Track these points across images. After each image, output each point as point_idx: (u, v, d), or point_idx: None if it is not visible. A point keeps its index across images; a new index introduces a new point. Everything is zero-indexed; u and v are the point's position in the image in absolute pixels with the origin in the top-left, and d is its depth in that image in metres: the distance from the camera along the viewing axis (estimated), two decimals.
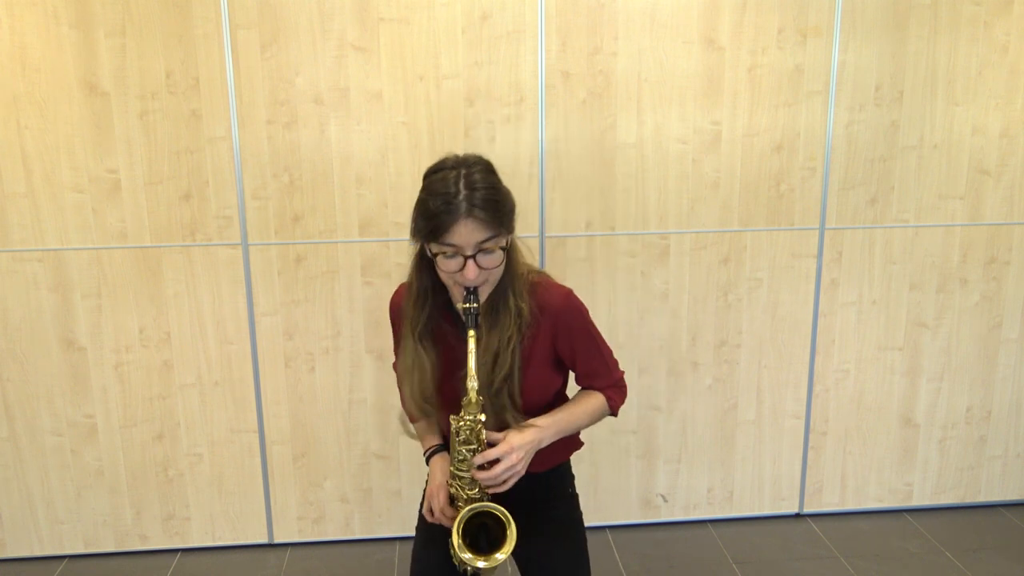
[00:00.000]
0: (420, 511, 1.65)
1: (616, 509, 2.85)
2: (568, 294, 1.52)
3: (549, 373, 1.54)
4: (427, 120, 2.48)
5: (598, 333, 1.58)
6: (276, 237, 2.52)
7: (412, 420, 1.67)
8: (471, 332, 1.36)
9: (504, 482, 1.39)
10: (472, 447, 1.41)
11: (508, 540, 1.38)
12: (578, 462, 2.75)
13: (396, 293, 1.62)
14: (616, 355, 2.73)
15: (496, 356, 1.44)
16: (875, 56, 2.57)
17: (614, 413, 1.61)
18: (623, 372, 1.63)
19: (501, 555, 1.38)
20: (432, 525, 1.56)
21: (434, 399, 1.51)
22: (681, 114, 2.55)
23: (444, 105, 2.48)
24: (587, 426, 1.57)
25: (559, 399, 1.60)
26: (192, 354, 2.58)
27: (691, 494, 2.87)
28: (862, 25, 2.55)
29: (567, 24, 2.45)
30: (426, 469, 2.75)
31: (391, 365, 1.75)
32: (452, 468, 1.46)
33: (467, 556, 1.39)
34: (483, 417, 1.40)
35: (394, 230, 2.55)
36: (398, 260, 2.57)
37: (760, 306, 2.73)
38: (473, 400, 1.38)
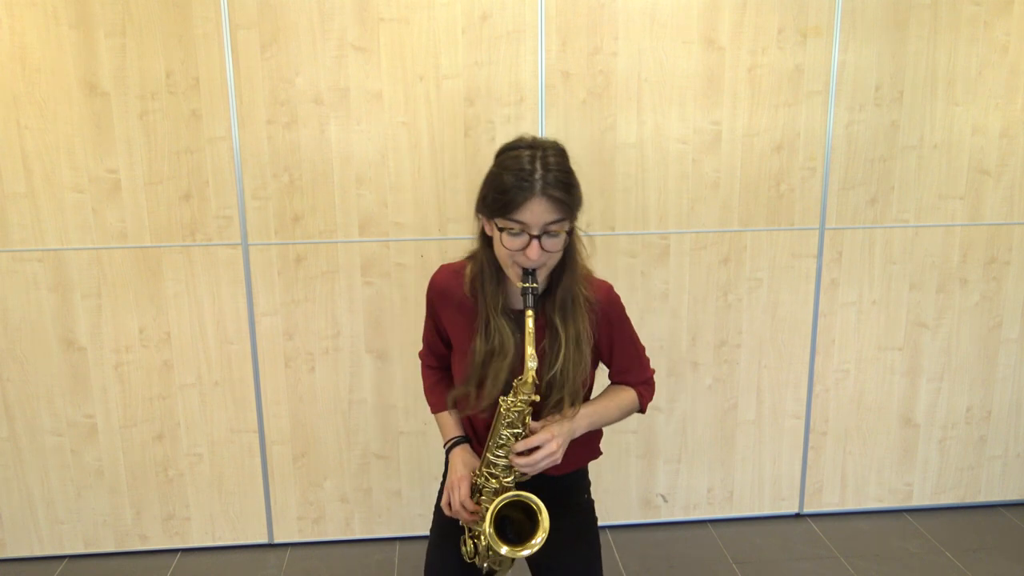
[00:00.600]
0: (436, 507, 1.64)
1: (616, 509, 2.85)
2: (611, 287, 1.54)
3: (591, 367, 1.55)
4: (427, 120, 2.48)
5: (633, 328, 1.58)
6: (276, 237, 2.52)
7: (436, 409, 1.65)
8: (529, 312, 1.35)
9: (539, 470, 1.40)
10: (517, 431, 1.41)
11: (541, 527, 1.38)
12: None
13: (438, 274, 1.58)
14: None
15: (580, 346, 1.43)
16: (875, 56, 2.57)
17: (643, 410, 1.62)
18: (654, 371, 1.64)
19: (537, 540, 1.38)
20: (448, 521, 1.55)
21: (506, 383, 1.47)
22: (681, 114, 2.55)
23: (444, 105, 2.48)
24: (616, 421, 1.58)
25: (588, 395, 1.61)
26: (192, 354, 2.58)
27: (691, 494, 2.87)
28: (862, 25, 2.55)
29: (567, 24, 2.45)
30: (426, 469, 2.77)
31: (418, 353, 1.73)
32: (488, 454, 1.45)
33: (504, 550, 1.38)
34: (537, 398, 1.39)
35: (394, 230, 2.55)
36: (398, 260, 2.57)
37: (760, 306, 2.73)
38: (529, 381, 1.36)
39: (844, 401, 2.84)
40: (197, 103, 2.41)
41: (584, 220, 2.57)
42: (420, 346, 1.71)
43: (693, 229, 2.64)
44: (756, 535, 2.82)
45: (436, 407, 1.65)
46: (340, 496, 2.75)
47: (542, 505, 1.39)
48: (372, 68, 2.43)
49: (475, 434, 1.60)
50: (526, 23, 2.44)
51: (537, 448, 1.39)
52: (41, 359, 2.54)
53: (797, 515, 2.94)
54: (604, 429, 1.65)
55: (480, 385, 1.47)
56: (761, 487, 2.89)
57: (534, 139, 1.39)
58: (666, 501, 2.87)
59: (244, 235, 2.51)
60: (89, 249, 2.48)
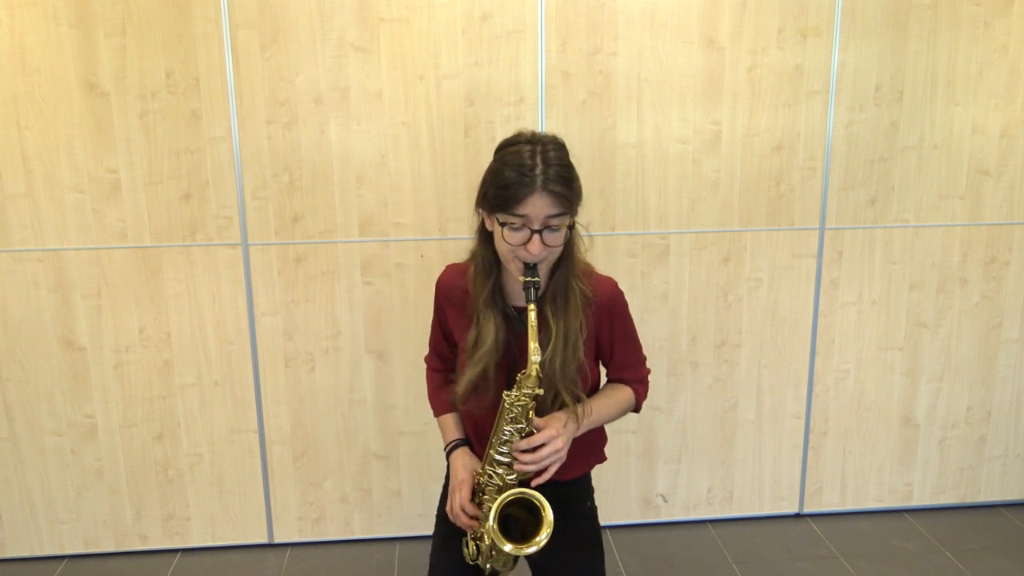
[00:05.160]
0: (439, 510, 1.64)
1: (616, 509, 2.85)
2: (615, 284, 1.54)
3: (593, 363, 1.54)
4: (427, 120, 2.48)
5: (634, 325, 1.59)
6: (276, 237, 2.52)
7: (438, 412, 1.64)
8: (531, 305, 1.35)
9: (547, 468, 1.39)
10: (520, 426, 1.40)
11: (545, 523, 1.37)
12: None
13: (444, 273, 1.59)
14: None
15: (567, 340, 1.43)
16: (875, 56, 2.57)
17: (638, 409, 1.62)
18: (649, 370, 1.64)
19: (542, 536, 1.36)
20: (451, 525, 1.54)
21: (492, 377, 1.48)
22: (681, 114, 2.55)
23: (444, 105, 2.48)
24: (614, 419, 1.58)
25: (593, 392, 1.60)
26: (192, 354, 2.58)
27: (691, 494, 2.87)
28: (862, 25, 2.55)
29: (567, 24, 2.45)
30: (426, 469, 2.77)
31: (424, 357, 1.72)
32: (491, 451, 1.44)
33: (508, 547, 1.37)
34: (541, 391, 1.38)
35: (394, 230, 2.55)
36: (398, 260, 2.57)
37: (760, 306, 2.73)
38: (533, 374, 1.36)
39: (844, 401, 2.84)
40: (197, 103, 2.41)
41: (584, 220, 2.58)
42: (421, 346, 1.71)
43: (693, 229, 2.64)
44: (756, 535, 2.82)
45: (438, 410, 1.65)
46: (340, 496, 2.75)
47: (545, 501, 1.38)
48: (372, 68, 2.43)
49: (477, 436, 1.59)
50: (526, 23, 2.44)
51: (542, 446, 1.38)
52: (41, 359, 2.54)
53: (797, 515, 2.94)
54: (606, 431, 1.64)
55: (471, 379, 1.48)
56: (761, 487, 2.89)
57: (533, 134, 1.41)
58: (666, 501, 2.87)
59: (244, 235, 2.51)
60: (89, 249, 2.48)
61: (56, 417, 2.59)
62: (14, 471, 2.63)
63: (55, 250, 2.47)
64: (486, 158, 1.48)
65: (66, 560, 2.70)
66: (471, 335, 1.49)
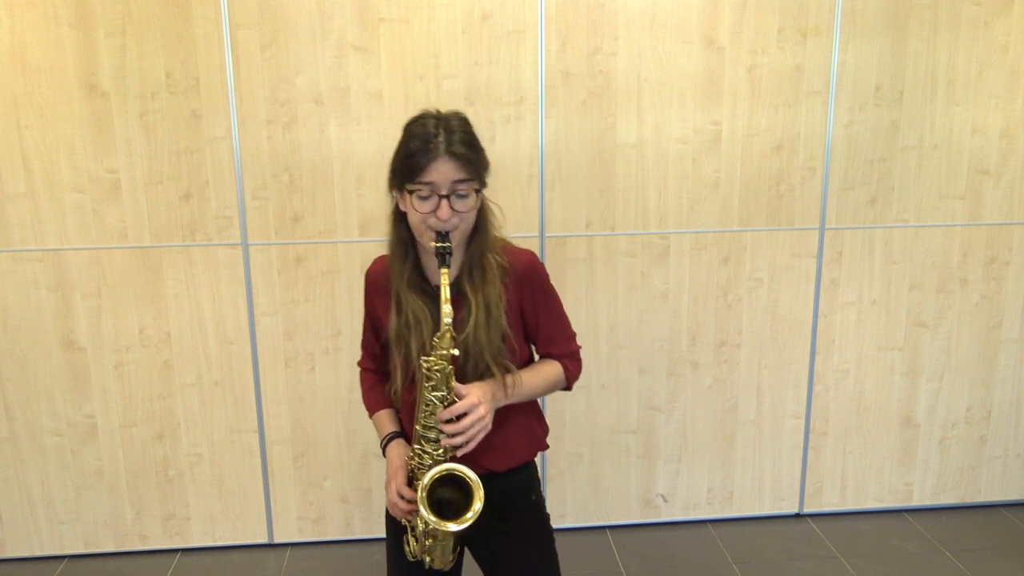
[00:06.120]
0: (386, 510, 1.65)
1: (616, 509, 2.85)
2: (533, 255, 1.54)
3: (521, 339, 1.54)
4: None
5: (559, 298, 1.59)
6: (276, 237, 2.52)
7: (372, 411, 1.64)
8: (443, 270, 1.37)
9: (471, 439, 1.40)
10: (441, 393, 1.40)
11: (475, 499, 1.36)
12: (578, 462, 2.76)
13: (372, 265, 1.61)
14: (616, 355, 2.74)
15: (488, 311, 1.44)
16: (875, 56, 2.57)
17: (569, 387, 1.61)
18: (580, 346, 1.63)
19: (471, 514, 1.36)
20: (398, 523, 1.55)
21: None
22: (681, 114, 2.55)
23: (444, 105, 2.44)
24: (542, 393, 1.57)
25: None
26: (192, 354, 2.58)
27: (691, 494, 2.87)
28: (862, 25, 2.55)
29: (567, 24, 2.45)
30: None
31: (356, 362, 1.73)
32: (417, 426, 1.44)
33: (433, 519, 1.36)
34: (456, 352, 1.39)
35: None
36: None
37: (760, 306, 2.73)
38: (447, 335, 1.37)
39: (844, 401, 2.84)
40: (197, 103, 2.41)
41: (584, 220, 2.59)
42: None
43: (693, 229, 2.64)
44: (756, 535, 2.82)
45: (372, 409, 1.65)
46: (340, 496, 2.75)
47: (474, 476, 1.38)
48: (372, 68, 2.43)
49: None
50: (526, 23, 2.44)
51: (465, 415, 1.39)
52: (41, 359, 2.54)
53: (797, 515, 2.94)
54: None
55: (401, 362, 1.49)
56: (761, 487, 2.89)
57: (438, 111, 1.46)
58: (666, 501, 2.87)
59: (244, 235, 2.51)
60: (89, 249, 2.48)
61: (56, 417, 2.59)
62: (14, 471, 2.63)
63: (55, 250, 2.47)
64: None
65: (66, 560, 2.70)
66: (395, 320, 1.50)
